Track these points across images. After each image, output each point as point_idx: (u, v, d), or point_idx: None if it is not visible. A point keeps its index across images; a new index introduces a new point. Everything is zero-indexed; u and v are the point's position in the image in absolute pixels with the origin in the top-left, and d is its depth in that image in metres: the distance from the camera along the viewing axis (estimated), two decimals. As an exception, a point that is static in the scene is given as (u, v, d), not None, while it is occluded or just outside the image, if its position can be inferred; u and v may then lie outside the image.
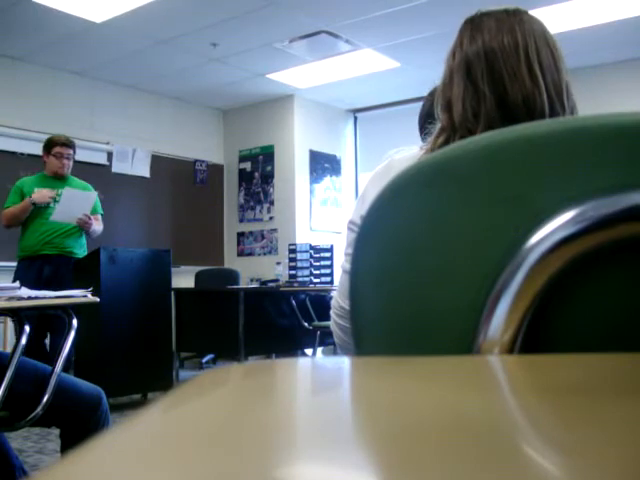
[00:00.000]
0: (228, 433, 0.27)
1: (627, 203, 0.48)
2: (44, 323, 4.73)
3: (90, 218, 5.11)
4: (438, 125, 1.31)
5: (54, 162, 5.12)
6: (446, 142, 1.25)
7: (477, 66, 1.24)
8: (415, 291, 0.58)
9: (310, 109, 8.35)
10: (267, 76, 7.41)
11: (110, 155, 7.35)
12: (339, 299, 1.34)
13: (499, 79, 1.22)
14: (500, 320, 0.51)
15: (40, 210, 4.98)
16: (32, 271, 4.94)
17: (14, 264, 5.16)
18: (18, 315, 2.25)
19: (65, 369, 2.33)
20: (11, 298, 2.23)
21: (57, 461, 0.23)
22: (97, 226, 5.25)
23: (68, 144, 5.18)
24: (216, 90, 7.88)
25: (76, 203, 5.07)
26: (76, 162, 6.56)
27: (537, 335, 0.52)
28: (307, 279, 6.78)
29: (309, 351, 6.65)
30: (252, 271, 8.15)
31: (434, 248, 0.57)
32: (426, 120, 1.52)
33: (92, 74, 7.17)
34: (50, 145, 5.14)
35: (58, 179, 5.15)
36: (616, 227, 0.49)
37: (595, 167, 0.51)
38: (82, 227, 5.12)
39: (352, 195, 8.78)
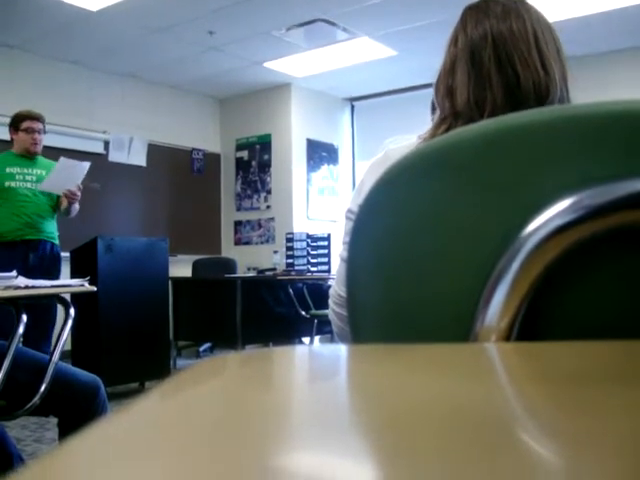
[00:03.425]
0: (225, 421, 0.28)
1: (623, 191, 0.48)
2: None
3: (80, 190, 4.76)
4: (437, 113, 1.30)
5: (24, 138, 4.71)
6: (447, 131, 1.22)
7: (484, 50, 1.22)
8: (411, 279, 0.58)
9: (307, 98, 8.34)
10: (264, 64, 7.39)
11: (107, 144, 7.33)
12: (337, 287, 1.34)
13: (509, 64, 1.20)
14: (497, 308, 0.51)
15: (12, 191, 4.65)
16: (15, 258, 4.49)
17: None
18: (16, 304, 2.25)
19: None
20: (8, 287, 2.23)
21: (55, 450, 0.23)
22: (77, 204, 4.90)
23: (38, 117, 4.77)
24: (213, 79, 7.86)
25: (69, 173, 4.71)
26: (73, 151, 6.54)
27: (534, 323, 0.52)
28: (304, 268, 6.79)
29: (306, 339, 6.66)
30: (249, 260, 8.16)
31: (430, 236, 0.57)
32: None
33: (89, 63, 7.14)
34: (18, 120, 4.74)
35: (28, 158, 4.77)
36: (612, 215, 0.49)
37: (591, 155, 0.51)
38: (69, 199, 4.74)
39: (349, 184, 8.78)
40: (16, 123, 4.75)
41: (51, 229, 4.86)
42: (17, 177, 4.70)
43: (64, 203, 4.84)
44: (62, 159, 4.75)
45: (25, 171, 4.74)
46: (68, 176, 4.71)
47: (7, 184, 4.65)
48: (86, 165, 4.83)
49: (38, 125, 4.77)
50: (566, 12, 5.74)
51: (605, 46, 6.67)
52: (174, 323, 6.01)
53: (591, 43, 6.51)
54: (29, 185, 4.72)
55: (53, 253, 4.85)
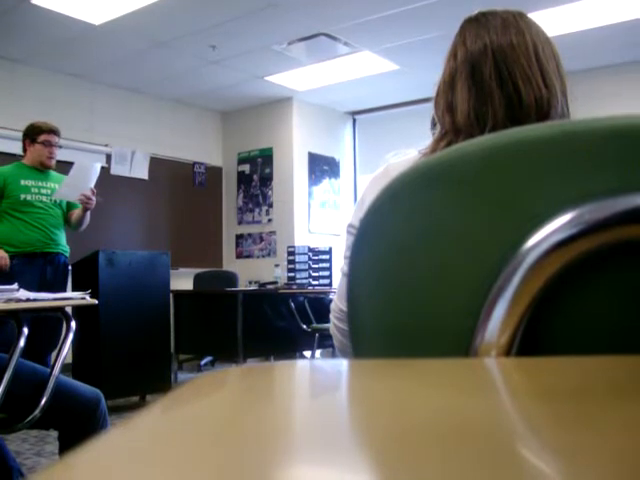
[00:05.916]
0: (226, 435, 0.28)
1: (623, 206, 0.48)
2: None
3: (94, 193, 4.65)
4: (438, 128, 1.29)
5: (40, 151, 4.64)
6: (448, 146, 1.21)
7: (484, 65, 1.21)
8: (412, 293, 0.58)
9: (309, 111, 8.36)
10: (266, 78, 7.41)
11: (109, 157, 7.34)
12: (338, 302, 1.33)
13: (510, 79, 1.19)
14: (497, 323, 0.51)
15: (28, 204, 4.58)
16: (34, 271, 4.51)
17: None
18: (17, 317, 2.25)
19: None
20: (9, 300, 2.22)
21: (55, 463, 0.23)
22: (89, 216, 4.86)
23: (56, 131, 4.71)
24: (215, 92, 7.88)
25: (83, 176, 4.62)
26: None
27: (534, 338, 0.52)
28: (306, 281, 6.78)
29: (308, 353, 6.65)
30: (251, 273, 8.15)
31: (431, 251, 0.57)
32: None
33: (91, 76, 7.16)
34: (36, 132, 4.65)
35: (40, 171, 4.69)
36: (612, 230, 0.49)
37: (591, 170, 0.51)
38: (85, 204, 4.65)
39: (351, 197, 8.78)
40: (33, 134, 4.67)
41: (64, 242, 4.84)
42: (32, 190, 4.65)
43: (75, 214, 4.82)
44: (77, 162, 4.70)
45: (40, 184, 4.69)
46: (82, 180, 4.64)
47: (23, 197, 4.60)
48: (98, 166, 4.77)
49: (55, 139, 4.71)
50: (564, 27, 5.76)
51: (603, 60, 6.69)
52: (175, 336, 6.00)
53: (589, 57, 6.53)
54: (44, 199, 4.67)
55: (65, 267, 4.85)
